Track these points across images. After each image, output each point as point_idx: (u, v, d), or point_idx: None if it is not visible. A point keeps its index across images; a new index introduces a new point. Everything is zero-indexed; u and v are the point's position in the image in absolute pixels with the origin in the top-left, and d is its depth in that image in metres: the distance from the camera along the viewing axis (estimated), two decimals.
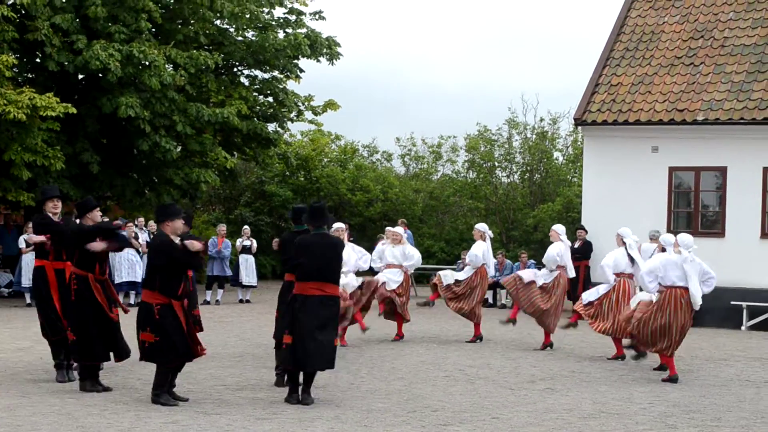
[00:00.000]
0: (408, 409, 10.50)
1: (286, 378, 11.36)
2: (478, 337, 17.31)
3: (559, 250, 16.47)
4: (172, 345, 10.40)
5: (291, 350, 10.77)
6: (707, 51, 23.23)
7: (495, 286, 25.37)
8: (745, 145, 21.58)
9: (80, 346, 11.20)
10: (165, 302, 10.41)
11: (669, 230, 21.57)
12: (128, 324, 11.99)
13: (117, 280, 22.58)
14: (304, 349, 10.66)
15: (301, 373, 10.91)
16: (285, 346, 10.87)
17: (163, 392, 10.48)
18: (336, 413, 10.19)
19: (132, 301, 22.81)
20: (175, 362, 10.54)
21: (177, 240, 10.73)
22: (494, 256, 26.19)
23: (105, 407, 10.28)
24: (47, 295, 12.02)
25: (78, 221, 11.71)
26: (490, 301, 25.37)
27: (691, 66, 23.02)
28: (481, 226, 17.73)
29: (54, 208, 12.19)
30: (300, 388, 10.86)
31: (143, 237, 23.02)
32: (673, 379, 12.92)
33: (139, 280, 22.60)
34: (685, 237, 13.25)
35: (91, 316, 11.19)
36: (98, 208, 11.57)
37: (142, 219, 24.18)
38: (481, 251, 17.24)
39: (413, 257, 17.33)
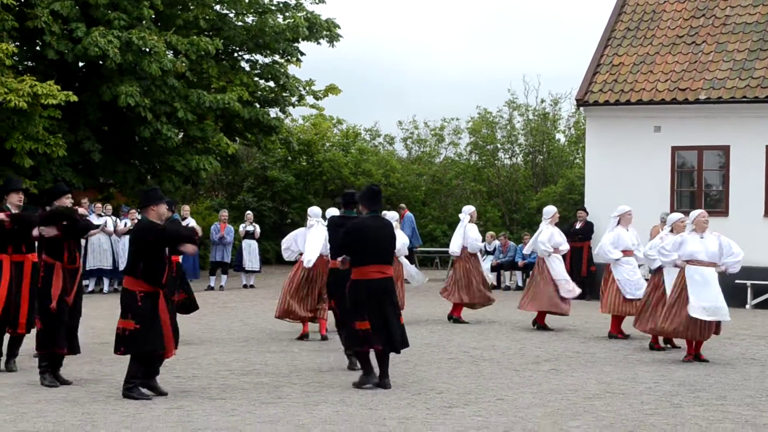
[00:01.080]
0: (413, 392, 10.49)
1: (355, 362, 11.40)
2: (450, 317, 17.54)
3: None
4: (151, 334, 10.03)
5: (376, 333, 10.68)
6: (709, 29, 23.14)
7: (499, 268, 25.34)
8: (747, 123, 21.52)
9: (44, 335, 10.87)
10: (149, 290, 10.08)
11: (672, 210, 21.53)
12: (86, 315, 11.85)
13: (121, 267, 22.68)
14: (386, 333, 10.66)
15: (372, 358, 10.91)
16: (362, 332, 10.71)
17: (136, 385, 10.07)
18: (341, 396, 10.19)
19: (105, 289, 22.86)
20: (149, 352, 10.10)
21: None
22: (497, 238, 26.31)
23: (110, 393, 10.28)
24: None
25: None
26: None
27: (692, 45, 22.94)
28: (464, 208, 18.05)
29: (19, 201, 11.96)
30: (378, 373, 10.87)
31: None
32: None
33: (109, 267, 22.76)
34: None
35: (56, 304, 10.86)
36: (68, 194, 11.32)
37: None
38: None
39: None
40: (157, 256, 10.18)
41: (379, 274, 10.76)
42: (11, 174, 22.80)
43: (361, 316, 10.73)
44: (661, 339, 14.14)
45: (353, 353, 11.43)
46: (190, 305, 14.55)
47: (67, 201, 11.21)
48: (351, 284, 10.85)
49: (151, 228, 10.23)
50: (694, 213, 13.32)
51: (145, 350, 10.06)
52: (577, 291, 16.72)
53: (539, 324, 16.57)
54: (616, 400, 10.11)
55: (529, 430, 8.69)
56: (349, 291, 10.90)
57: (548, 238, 16.61)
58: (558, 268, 16.56)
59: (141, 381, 10.16)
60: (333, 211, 15.08)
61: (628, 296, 15.21)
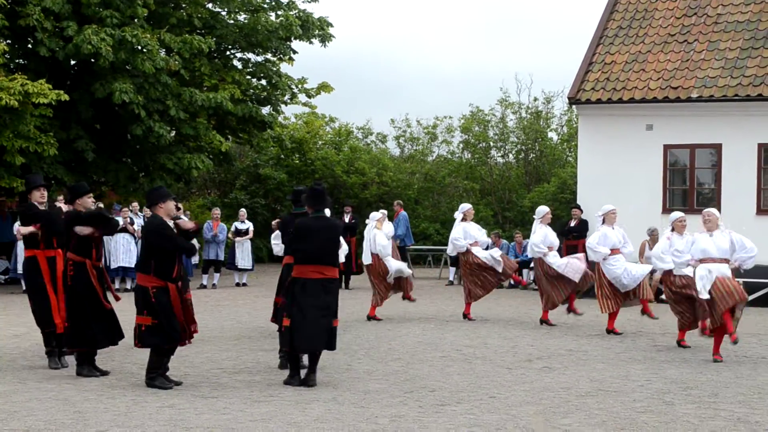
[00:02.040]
0: (405, 390, 10.49)
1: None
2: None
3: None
4: (168, 327, 10.41)
5: (289, 332, 10.74)
6: (701, 28, 23.18)
7: (519, 266, 25.17)
8: (739, 121, 21.57)
9: (74, 333, 11.20)
10: (161, 285, 10.43)
11: (665, 208, 21.61)
12: (121, 310, 12.00)
13: (113, 265, 22.57)
14: (305, 331, 10.65)
15: (306, 355, 10.99)
16: (284, 328, 10.86)
17: (158, 375, 10.51)
18: (333, 395, 10.18)
19: (128, 286, 22.80)
20: (169, 344, 10.55)
21: (171, 222, 10.75)
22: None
23: (102, 392, 10.26)
24: (41, 285, 11.91)
25: (65, 206, 11.66)
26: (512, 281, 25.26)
27: (684, 43, 22.97)
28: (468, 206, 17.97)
29: (41, 198, 12.15)
30: (304, 370, 10.90)
31: (138, 222, 22.98)
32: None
33: (134, 265, 22.66)
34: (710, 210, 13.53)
35: (87, 302, 11.22)
36: (90, 194, 11.50)
37: (136, 204, 24.14)
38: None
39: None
40: (167, 252, 10.51)
41: (318, 274, 10.78)
42: (3, 173, 22.80)
43: (289, 312, 10.80)
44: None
45: (284, 352, 11.41)
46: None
47: (89, 200, 11.29)
48: (290, 281, 10.95)
49: (162, 228, 10.53)
50: (704, 212, 13.47)
51: (163, 345, 10.44)
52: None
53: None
54: (608, 398, 10.11)
55: (521, 428, 8.69)
56: (287, 288, 11.05)
57: (542, 239, 16.63)
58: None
59: (162, 371, 10.53)
60: (375, 214, 15.35)
61: (623, 290, 15.34)
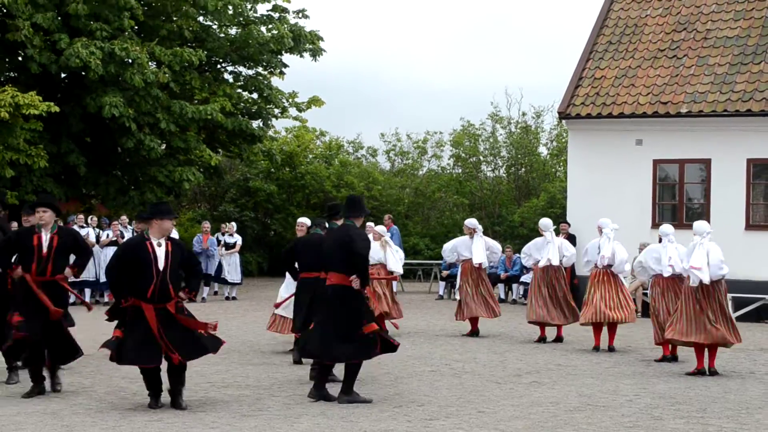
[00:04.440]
0: (394, 404, 10.48)
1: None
2: (474, 333, 17.38)
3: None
4: (129, 347, 10.03)
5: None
6: (690, 43, 23.28)
7: (508, 281, 25.18)
8: (728, 137, 21.64)
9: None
10: (135, 304, 10.04)
11: (654, 223, 21.65)
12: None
13: (70, 278, 21.91)
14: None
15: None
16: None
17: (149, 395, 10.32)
18: (322, 409, 10.17)
19: (87, 298, 22.60)
20: (125, 363, 10.24)
21: (162, 241, 10.23)
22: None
23: (90, 406, 10.24)
24: None
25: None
26: (502, 296, 25.26)
27: (674, 59, 23.06)
28: (471, 222, 17.82)
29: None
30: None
31: (128, 235, 22.93)
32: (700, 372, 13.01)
33: (91, 278, 22.53)
34: (700, 224, 13.53)
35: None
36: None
37: (125, 217, 24.09)
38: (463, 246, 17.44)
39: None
40: (140, 271, 10.05)
41: None
42: None
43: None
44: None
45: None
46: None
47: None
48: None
49: (138, 249, 10.24)
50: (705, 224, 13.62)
51: (123, 361, 10.12)
52: None
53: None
54: (597, 413, 10.12)
55: None
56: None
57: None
58: None
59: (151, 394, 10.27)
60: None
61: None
